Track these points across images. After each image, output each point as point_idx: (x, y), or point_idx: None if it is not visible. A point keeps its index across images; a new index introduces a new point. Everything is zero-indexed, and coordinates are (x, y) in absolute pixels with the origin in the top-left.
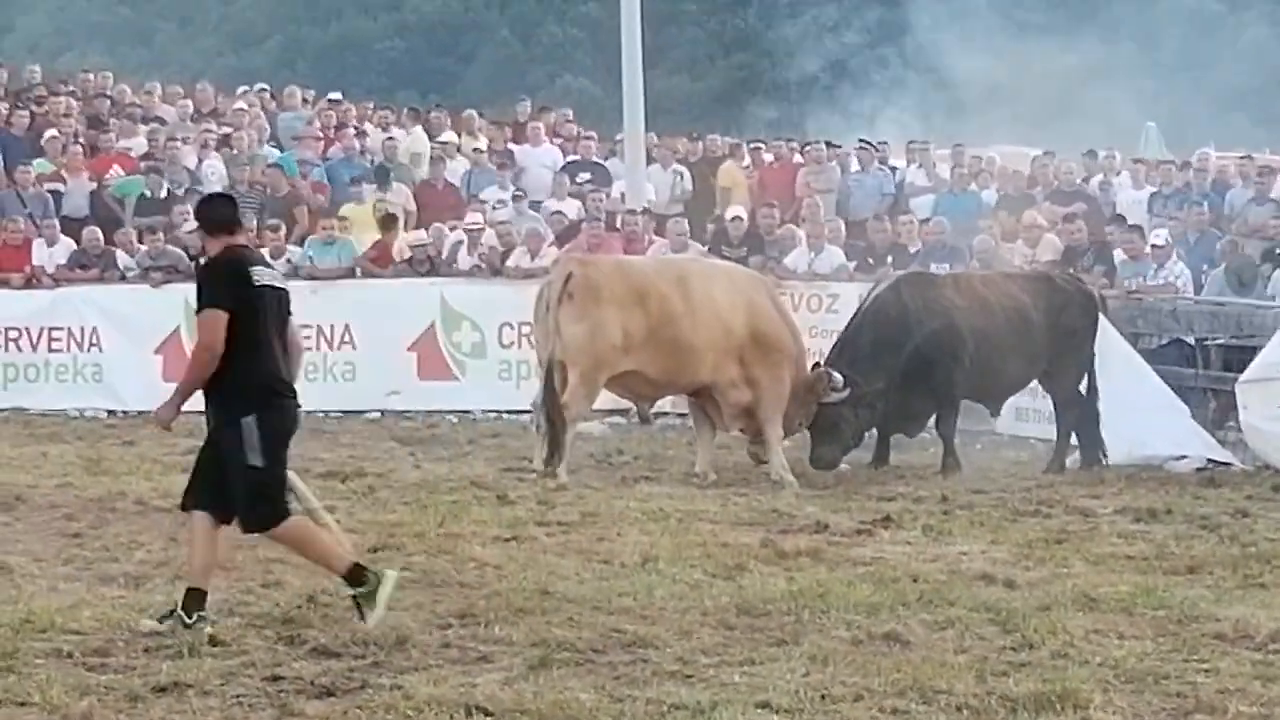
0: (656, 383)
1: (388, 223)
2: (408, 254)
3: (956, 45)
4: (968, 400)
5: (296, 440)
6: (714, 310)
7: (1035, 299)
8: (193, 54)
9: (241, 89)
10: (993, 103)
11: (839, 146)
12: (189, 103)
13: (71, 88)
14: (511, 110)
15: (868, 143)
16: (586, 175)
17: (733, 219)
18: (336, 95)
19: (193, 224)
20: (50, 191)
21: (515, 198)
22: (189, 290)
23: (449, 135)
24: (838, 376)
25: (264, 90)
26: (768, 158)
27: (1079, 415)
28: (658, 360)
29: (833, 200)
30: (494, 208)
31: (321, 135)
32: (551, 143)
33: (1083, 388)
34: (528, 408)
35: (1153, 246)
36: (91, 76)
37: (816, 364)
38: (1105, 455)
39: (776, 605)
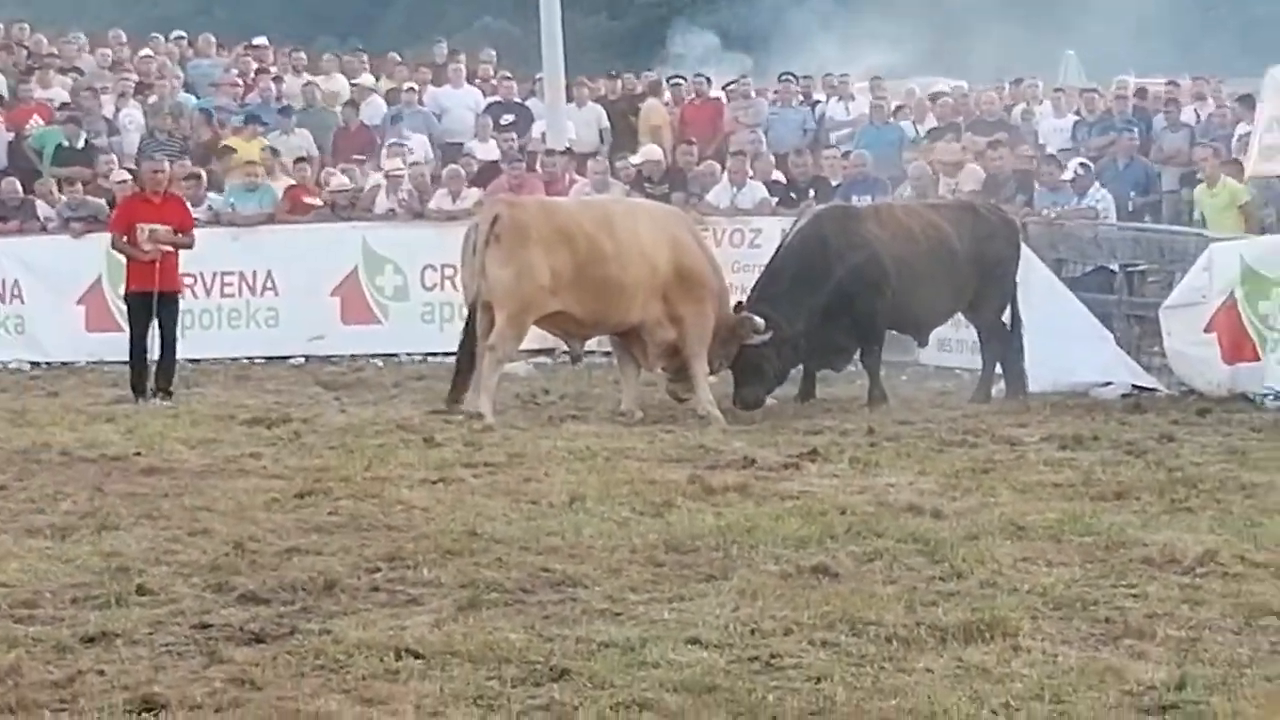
0: (584, 323)
1: (299, 168)
2: (319, 199)
3: None
4: (894, 331)
5: (221, 386)
6: (639, 249)
7: (958, 228)
8: (109, 3)
9: (153, 36)
10: (911, 35)
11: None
12: (108, 52)
13: None
14: (429, 52)
15: (790, 75)
16: (510, 117)
17: (645, 161)
18: (261, 40)
19: (119, 174)
20: None
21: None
22: (109, 239)
23: (366, 78)
24: (759, 320)
25: (181, 37)
26: (688, 95)
27: (1003, 345)
28: (585, 300)
29: (760, 135)
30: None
31: (240, 82)
32: (471, 84)
33: (1006, 318)
34: (451, 350)
35: (1075, 176)
36: (1, 27)
37: (739, 304)
38: (1027, 386)
39: (705, 541)
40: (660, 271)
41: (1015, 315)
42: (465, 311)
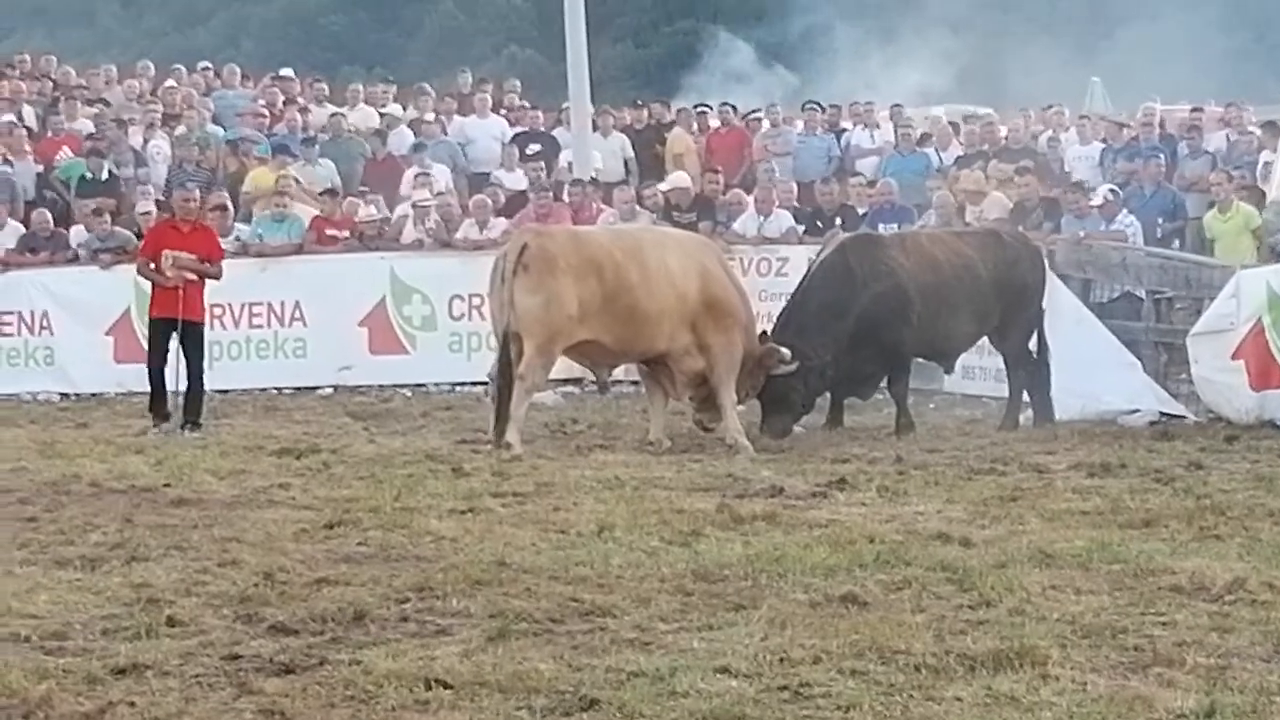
0: (613, 351)
1: (327, 198)
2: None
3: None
4: (920, 359)
5: (250, 417)
6: (668, 278)
7: (983, 255)
8: (136, 34)
9: (175, 67)
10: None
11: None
12: (136, 83)
13: (18, 71)
14: (455, 82)
15: (816, 104)
16: (536, 146)
17: (673, 189)
18: (287, 71)
19: (147, 205)
20: None
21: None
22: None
23: (394, 109)
24: (785, 352)
25: (207, 69)
26: (714, 123)
27: (1030, 372)
28: (614, 329)
29: (789, 164)
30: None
31: (266, 112)
32: (497, 114)
33: (1033, 345)
34: (479, 379)
35: (1104, 201)
36: (28, 58)
37: (764, 333)
38: (1054, 413)
39: (733, 570)
40: (689, 300)
41: (1042, 342)
42: (493, 340)
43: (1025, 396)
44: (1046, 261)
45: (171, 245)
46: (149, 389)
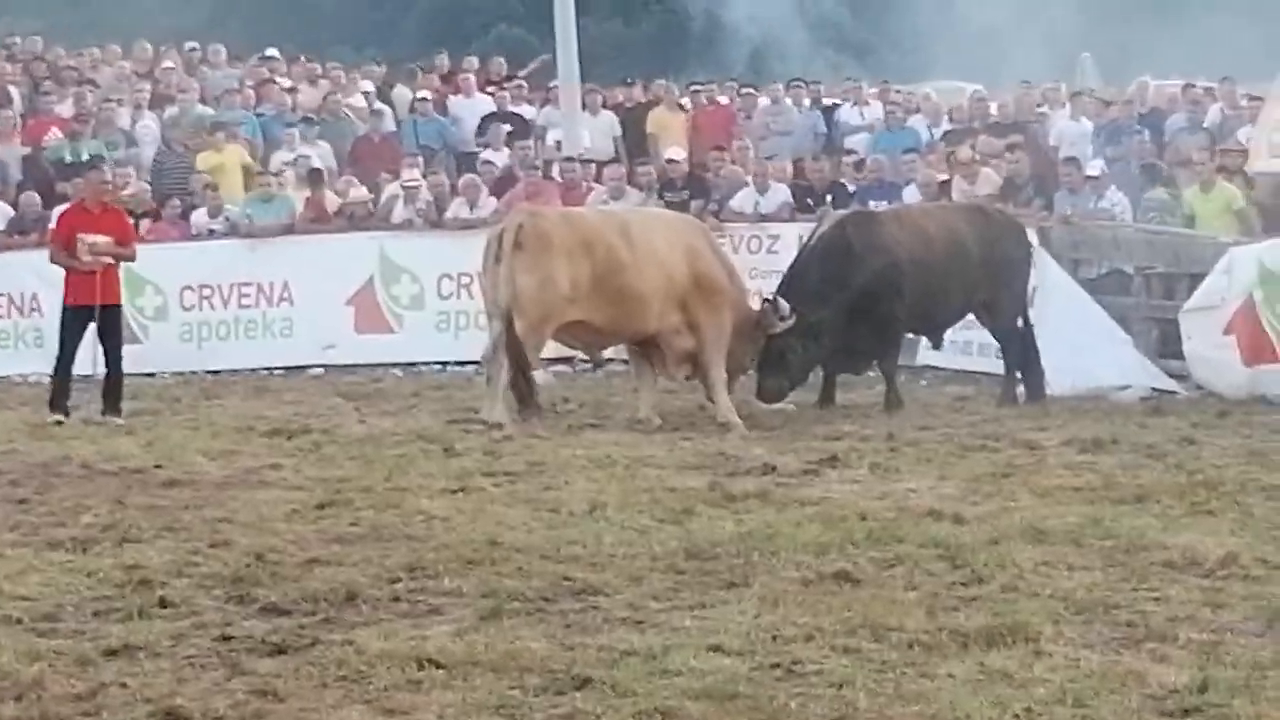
0: (603, 331)
1: (314, 179)
2: (336, 208)
3: None
4: (910, 334)
5: (240, 398)
6: (657, 258)
7: (971, 229)
8: (125, 15)
9: (164, 47)
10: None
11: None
12: (125, 64)
13: (5, 53)
14: (449, 62)
15: (801, 81)
16: (508, 127)
17: (669, 161)
18: (272, 52)
19: (136, 184)
20: None
21: None
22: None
23: (401, 90)
24: (784, 304)
25: (194, 49)
26: (701, 101)
27: (1023, 348)
28: (604, 310)
29: (788, 142)
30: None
31: (254, 93)
32: (484, 93)
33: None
34: (468, 359)
35: (1089, 177)
36: (18, 40)
37: (766, 299)
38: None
39: (725, 548)
40: (677, 281)
41: (1027, 320)
42: (482, 320)
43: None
44: (1035, 238)
45: (83, 229)
46: (54, 377)
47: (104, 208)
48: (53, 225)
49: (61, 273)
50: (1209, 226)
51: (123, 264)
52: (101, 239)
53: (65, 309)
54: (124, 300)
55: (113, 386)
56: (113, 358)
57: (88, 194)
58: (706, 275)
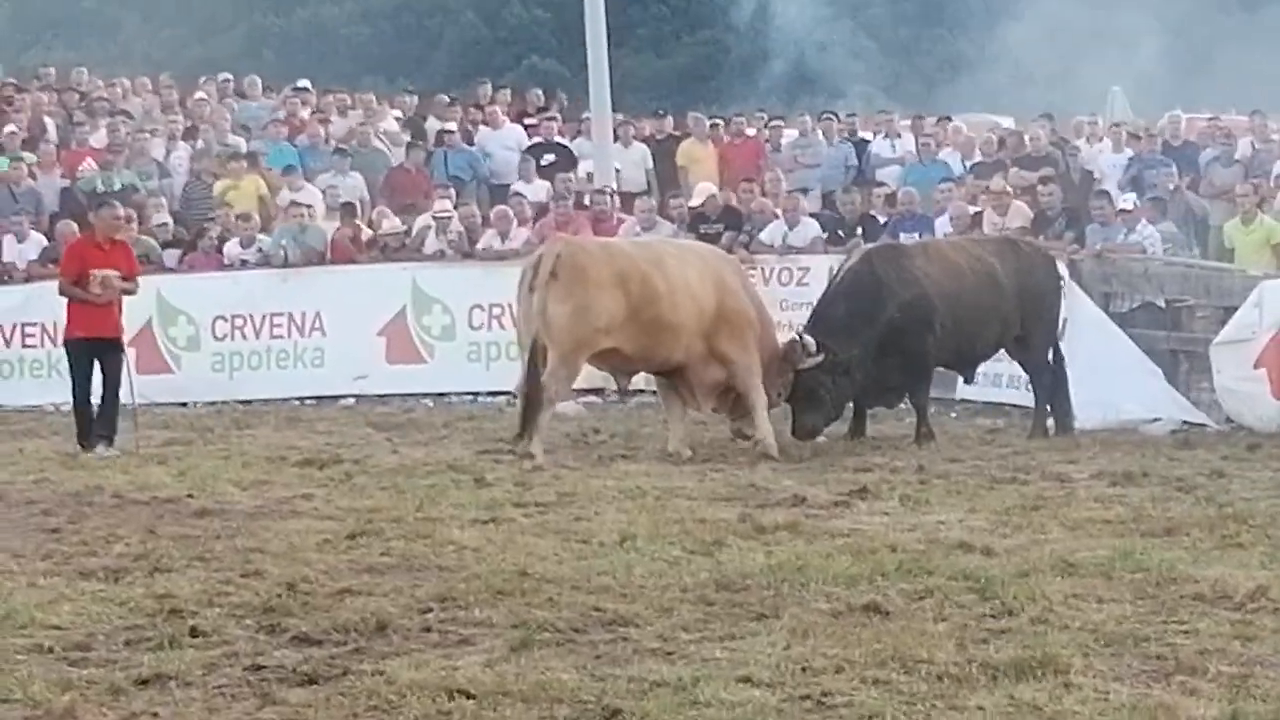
0: (632, 360)
1: (346, 212)
2: (368, 239)
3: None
4: (942, 367)
5: (272, 428)
6: (689, 290)
7: (1002, 263)
8: (157, 46)
9: (204, 79)
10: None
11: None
12: (159, 95)
13: (41, 82)
14: (476, 94)
15: (832, 114)
16: (551, 157)
17: (708, 197)
18: (304, 83)
19: (162, 216)
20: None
21: None
22: (160, 282)
23: (432, 123)
24: (810, 340)
25: (227, 80)
26: (729, 134)
27: (1054, 381)
28: (637, 339)
29: (818, 174)
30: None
31: (287, 124)
32: (520, 123)
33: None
34: (499, 389)
35: (1121, 211)
36: (53, 71)
37: (794, 337)
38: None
39: (755, 579)
40: (706, 313)
41: (1058, 352)
42: (513, 350)
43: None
44: (1067, 272)
45: (95, 263)
46: (75, 411)
47: (112, 243)
48: (61, 258)
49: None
50: (1247, 260)
51: (158, 294)
52: (112, 273)
53: (71, 343)
54: (157, 330)
55: (108, 417)
56: (112, 389)
57: (99, 229)
58: (734, 309)
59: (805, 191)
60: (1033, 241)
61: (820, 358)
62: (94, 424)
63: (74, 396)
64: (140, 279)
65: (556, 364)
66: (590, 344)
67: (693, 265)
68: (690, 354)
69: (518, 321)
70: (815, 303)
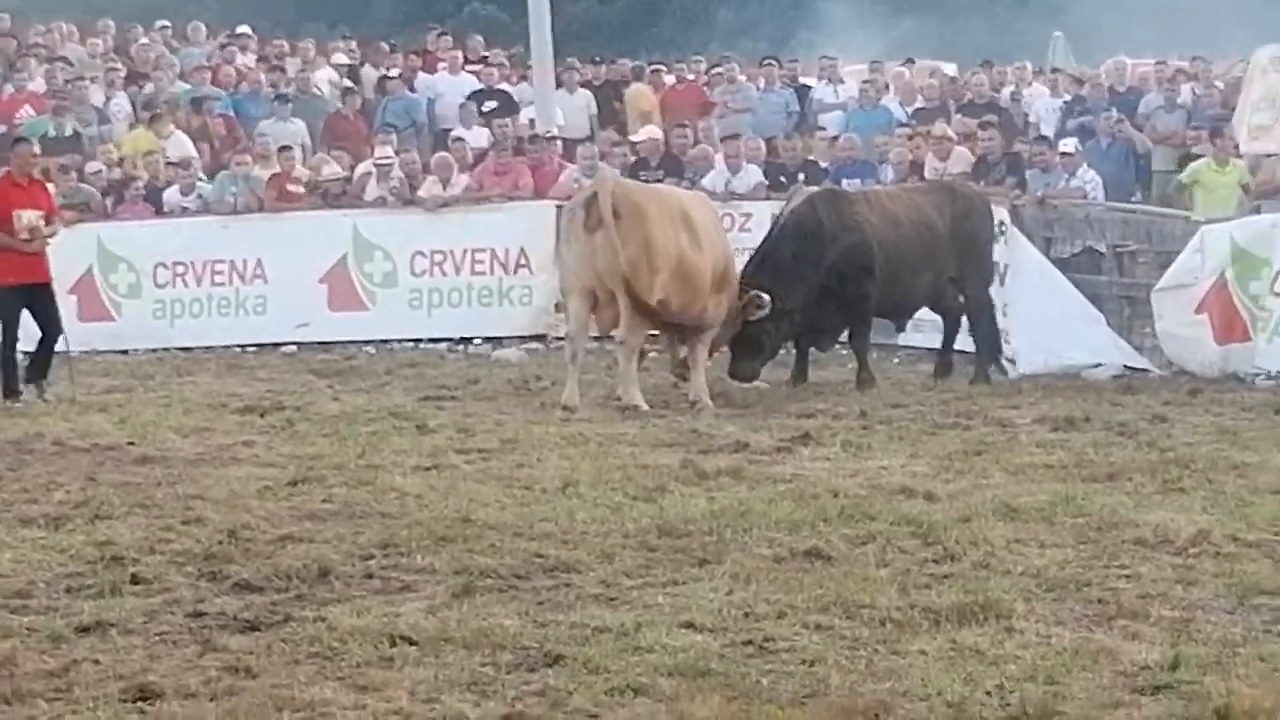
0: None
1: (284, 155)
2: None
3: None
4: (878, 315)
5: (213, 375)
6: (710, 239)
7: (939, 210)
8: None
9: (134, 25)
10: (900, 18)
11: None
12: (99, 41)
13: None
14: (421, 39)
15: (773, 59)
16: (494, 103)
17: (645, 140)
18: (244, 29)
19: (97, 164)
20: None
21: None
22: (101, 229)
23: (368, 71)
24: (765, 297)
25: (166, 27)
26: (669, 79)
27: (992, 324)
28: (679, 292)
29: (747, 119)
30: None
31: (232, 71)
32: (466, 71)
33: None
34: (440, 335)
35: (1062, 154)
36: None
37: (751, 292)
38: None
39: (698, 525)
40: (719, 262)
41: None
42: (454, 297)
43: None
44: (1011, 219)
45: (18, 203)
46: (1, 364)
47: (30, 180)
48: None
49: None
50: (1223, 200)
51: (99, 242)
52: (35, 213)
53: (2, 290)
54: (97, 277)
55: (44, 359)
56: (51, 333)
57: (15, 165)
58: (728, 256)
59: (737, 137)
60: (969, 185)
61: (768, 310)
62: (29, 369)
63: (4, 347)
64: (81, 227)
65: (629, 313)
66: (653, 284)
67: (706, 211)
68: (707, 308)
69: (566, 263)
70: (757, 247)
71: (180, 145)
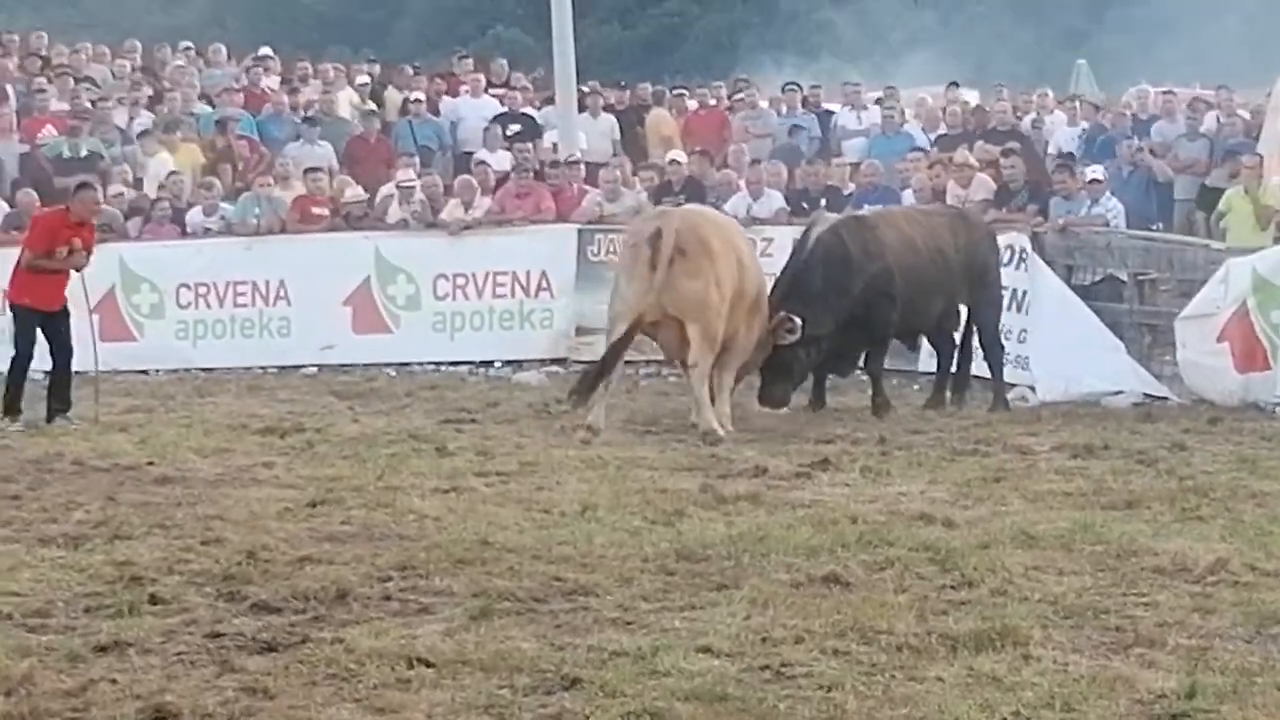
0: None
1: (311, 177)
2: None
3: None
4: (894, 338)
5: (234, 396)
6: (748, 264)
7: (953, 236)
8: (120, 13)
9: (159, 46)
10: (922, 45)
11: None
12: (125, 63)
13: (4, 49)
14: (444, 62)
15: (795, 85)
16: (517, 127)
17: (671, 163)
18: (266, 51)
19: (118, 186)
20: None
21: None
22: (124, 249)
23: (391, 93)
24: (796, 320)
25: (189, 48)
26: (692, 104)
27: (1002, 351)
28: (732, 318)
29: (768, 145)
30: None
31: (257, 92)
32: (489, 94)
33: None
34: (462, 359)
35: (1091, 181)
36: (17, 38)
37: (782, 315)
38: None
39: (716, 550)
40: (754, 286)
41: (969, 327)
42: (476, 320)
43: (958, 377)
44: (1032, 246)
45: (65, 239)
46: (9, 382)
47: (82, 223)
48: (29, 229)
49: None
50: (1248, 228)
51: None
52: (79, 246)
53: (27, 312)
54: (120, 297)
55: (62, 387)
56: (66, 359)
57: (75, 210)
58: (762, 283)
59: (757, 162)
60: (976, 213)
61: (799, 335)
62: (51, 400)
63: (16, 363)
64: (104, 247)
65: (700, 341)
66: (722, 315)
67: (740, 237)
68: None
69: (623, 294)
70: (781, 272)
71: (163, 163)
